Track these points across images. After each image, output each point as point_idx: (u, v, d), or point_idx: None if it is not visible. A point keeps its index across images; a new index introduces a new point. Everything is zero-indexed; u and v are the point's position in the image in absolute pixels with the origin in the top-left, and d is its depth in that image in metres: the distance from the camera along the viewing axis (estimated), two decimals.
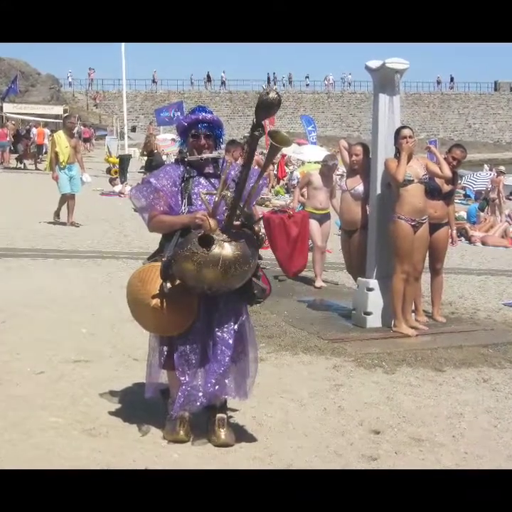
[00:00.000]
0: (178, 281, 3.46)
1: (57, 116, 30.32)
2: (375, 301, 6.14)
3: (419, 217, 5.93)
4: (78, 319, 5.77)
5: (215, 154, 3.68)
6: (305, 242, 8.14)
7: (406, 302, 6.03)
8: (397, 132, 6.00)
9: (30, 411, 3.87)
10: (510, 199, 20.72)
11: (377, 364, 5.10)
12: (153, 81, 51.24)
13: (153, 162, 15.40)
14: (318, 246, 8.17)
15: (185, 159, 3.66)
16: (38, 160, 24.29)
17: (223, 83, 52.53)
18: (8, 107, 30.64)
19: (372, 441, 3.77)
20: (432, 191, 6.21)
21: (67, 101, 42.80)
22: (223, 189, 3.42)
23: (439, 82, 56.94)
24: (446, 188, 6.43)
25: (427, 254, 6.34)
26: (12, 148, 24.74)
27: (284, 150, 13.43)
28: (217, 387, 3.53)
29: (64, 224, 11.25)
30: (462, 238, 13.11)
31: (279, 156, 18.85)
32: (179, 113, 22.29)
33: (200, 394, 3.54)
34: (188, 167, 3.64)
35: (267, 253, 7.64)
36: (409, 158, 5.94)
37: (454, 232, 7.02)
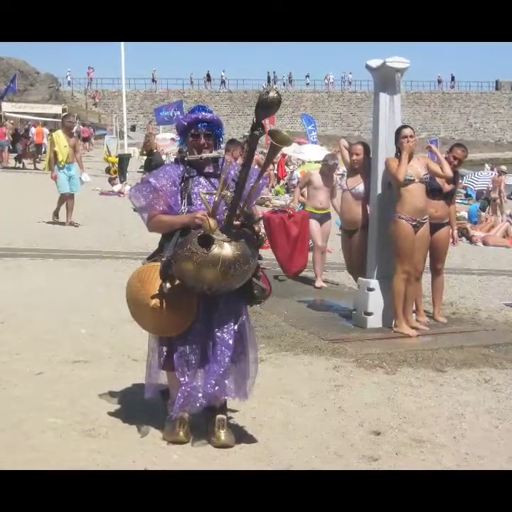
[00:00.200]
0: (177, 282, 3.44)
1: (56, 116, 30.27)
2: (375, 302, 6.12)
3: (420, 217, 5.91)
4: (77, 320, 5.75)
5: (214, 154, 3.66)
6: (305, 242, 8.12)
7: (407, 302, 6.02)
8: (398, 131, 5.98)
9: (28, 412, 3.85)
10: (511, 199, 20.69)
11: (378, 364, 5.09)
12: (153, 80, 51.24)
13: (152, 162, 15.37)
14: (319, 246, 8.15)
15: (185, 159, 3.64)
16: (37, 159, 24.25)
17: (223, 82, 52.52)
18: (6, 106, 30.56)
19: (373, 442, 3.75)
20: (433, 191, 6.20)
21: (66, 100, 42.76)
22: (223, 189, 3.41)
23: (440, 81, 56.93)
24: (447, 187, 6.41)
25: (428, 254, 6.33)
26: (11, 147, 24.69)
27: (285, 149, 13.40)
28: (217, 387, 3.52)
29: (63, 224, 11.24)
30: (463, 238, 13.11)
31: (279, 155, 18.82)
32: (179, 112, 22.30)
33: (200, 395, 3.52)
34: (187, 167, 3.63)
35: (267, 253, 7.62)
36: (410, 158, 5.92)
37: (455, 232, 7.00)
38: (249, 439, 3.69)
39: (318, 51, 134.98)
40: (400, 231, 5.88)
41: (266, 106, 3.21)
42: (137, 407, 3.95)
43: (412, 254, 5.93)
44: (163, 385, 3.72)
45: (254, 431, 3.79)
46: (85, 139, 32.17)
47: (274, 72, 55.53)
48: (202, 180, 3.63)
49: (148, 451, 3.48)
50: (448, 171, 6.16)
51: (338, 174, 12.52)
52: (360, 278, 6.36)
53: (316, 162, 17.74)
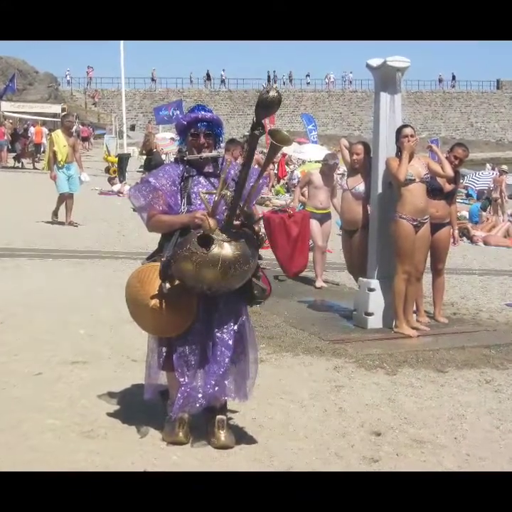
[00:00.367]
0: (177, 282, 3.43)
1: (55, 115, 30.20)
2: (376, 302, 6.11)
3: (421, 217, 5.90)
4: (76, 320, 5.74)
5: (214, 153, 3.65)
6: (305, 241, 8.11)
7: (407, 303, 6.00)
8: (399, 131, 5.96)
9: (27, 413, 3.84)
10: None
11: (379, 365, 5.07)
12: (152, 79, 51.22)
13: (152, 161, 15.37)
14: (319, 246, 8.13)
15: (185, 158, 3.63)
16: (36, 159, 24.23)
17: (223, 81, 52.51)
18: (5, 106, 30.50)
19: (373, 443, 3.74)
20: (434, 191, 6.18)
21: (66, 99, 42.73)
22: (223, 188, 3.39)
23: (440, 81, 56.87)
24: (448, 187, 6.39)
25: (429, 254, 6.31)
26: (10, 147, 24.68)
27: (285, 149, 13.41)
28: (216, 388, 3.50)
29: (62, 224, 11.22)
30: (464, 238, 13.09)
31: (279, 155, 18.81)
32: (178, 112, 22.31)
33: (200, 395, 3.51)
34: (187, 166, 3.61)
35: (267, 253, 7.61)
36: (411, 158, 5.90)
37: (456, 231, 6.99)
38: (249, 440, 3.67)
39: (318, 50, 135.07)
40: (401, 231, 5.86)
41: (266, 105, 3.19)
42: (136, 407, 3.93)
43: (412, 255, 5.91)
44: (163, 385, 3.71)
45: (254, 432, 3.77)
46: (84, 139, 32.14)
47: (274, 71, 55.66)
48: (202, 179, 3.61)
49: (147, 452, 3.46)
50: (449, 171, 6.14)
51: (339, 174, 12.51)
52: (360, 278, 6.34)
53: (316, 162, 17.71)
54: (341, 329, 6.09)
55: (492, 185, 18.62)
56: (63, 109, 29.59)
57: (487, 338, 5.97)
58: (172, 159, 6.16)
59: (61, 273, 7.67)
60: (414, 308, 6.24)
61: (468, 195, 22.13)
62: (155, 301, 3.45)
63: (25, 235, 10.01)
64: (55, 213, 11.44)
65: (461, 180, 18.72)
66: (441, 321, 6.47)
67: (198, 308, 3.51)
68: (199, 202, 3.52)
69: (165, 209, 3.56)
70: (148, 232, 3.78)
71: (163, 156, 19.67)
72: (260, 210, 9.85)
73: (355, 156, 6.60)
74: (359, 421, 4.02)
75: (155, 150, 17.06)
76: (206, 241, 3.33)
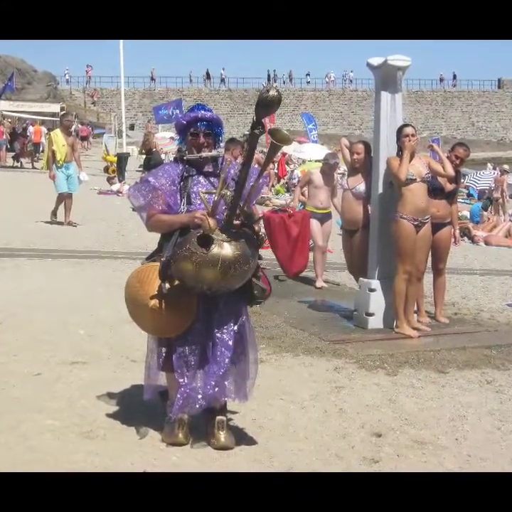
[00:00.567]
0: (177, 282, 3.42)
1: (54, 114, 30.15)
2: (377, 302, 6.09)
3: (422, 217, 5.88)
4: (76, 320, 5.72)
5: (214, 153, 3.64)
6: (306, 241, 8.09)
7: (408, 303, 5.99)
8: (400, 130, 5.95)
9: (26, 413, 3.82)
10: None
11: (379, 366, 5.06)
12: (152, 78, 51.19)
13: (151, 161, 15.36)
14: (319, 246, 8.12)
15: (184, 158, 3.62)
16: (35, 158, 24.23)
17: (223, 81, 52.49)
18: (4, 105, 30.47)
19: (374, 444, 3.73)
20: (435, 190, 6.17)
21: (65, 99, 42.65)
22: (223, 188, 3.38)
23: (441, 80, 56.84)
24: (449, 187, 6.38)
25: (430, 254, 6.30)
26: (8, 146, 24.67)
27: (285, 148, 13.39)
28: (216, 389, 3.49)
29: (61, 223, 11.20)
30: (465, 238, 13.08)
31: (279, 154, 18.80)
32: (178, 111, 22.30)
33: (200, 396, 3.50)
34: (187, 166, 3.60)
35: (267, 253, 7.59)
36: (412, 157, 5.89)
37: (457, 231, 6.98)
38: (249, 441, 3.66)
39: (318, 49, 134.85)
40: (402, 231, 5.85)
41: (266, 104, 3.18)
42: (136, 408, 3.92)
43: (413, 254, 5.89)
44: (163, 386, 3.70)
45: (254, 432, 3.76)
46: (84, 138, 32.10)
47: (275, 70, 55.56)
48: (201, 179, 3.60)
49: (147, 453, 3.45)
50: (450, 170, 6.12)
51: (339, 173, 12.48)
52: (361, 278, 6.33)
53: (316, 161, 17.68)
54: (342, 330, 6.08)
55: (493, 185, 18.63)
56: (62, 109, 29.52)
57: (488, 339, 5.96)
58: (171, 159, 6.14)
59: (60, 273, 7.66)
60: (415, 308, 6.23)
61: (469, 195, 22.13)
62: (154, 301, 3.44)
63: (24, 235, 10.00)
64: (54, 213, 11.42)
65: (462, 180, 18.71)
66: (442, 321, 6.45)
67: (197, 308, 3.50)
68: (199, 202, 3.50)
69: (164, 209, 3.54)
70: (147, 232, 3.77)
71: (163, 156, 19.66)
72: (260, 210, 9.83)
73: (355, 156, 6.58)
74: (359, 422, 4.00)
75: (154, 149, 17.06)
76: (206, 241, 3.32)
